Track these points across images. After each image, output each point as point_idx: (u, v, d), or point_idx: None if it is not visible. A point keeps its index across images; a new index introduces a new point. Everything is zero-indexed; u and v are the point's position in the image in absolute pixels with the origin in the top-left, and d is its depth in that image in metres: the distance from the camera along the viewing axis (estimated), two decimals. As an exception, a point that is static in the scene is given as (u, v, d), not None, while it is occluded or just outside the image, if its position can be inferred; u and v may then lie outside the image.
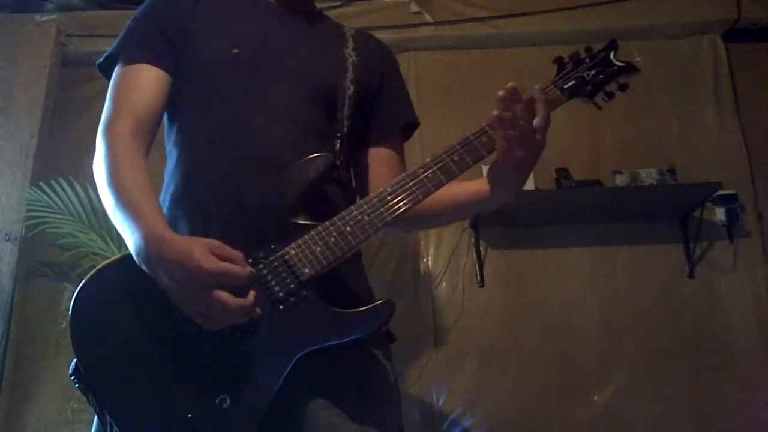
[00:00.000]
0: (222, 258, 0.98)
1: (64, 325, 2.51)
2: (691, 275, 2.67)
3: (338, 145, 1.23)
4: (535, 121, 1.08)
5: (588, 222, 2.74)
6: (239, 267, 0.98)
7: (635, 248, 2.71)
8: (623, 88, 1.17)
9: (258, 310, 1.00)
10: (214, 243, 0.99)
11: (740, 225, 2.70)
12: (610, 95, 1.17)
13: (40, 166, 2.76)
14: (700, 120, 2.86)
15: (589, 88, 1.16)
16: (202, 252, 0.97)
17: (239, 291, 0.98)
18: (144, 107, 1.19)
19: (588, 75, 1.17)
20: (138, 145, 1.16)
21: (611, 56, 1.17)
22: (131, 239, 1.03)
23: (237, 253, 1.00)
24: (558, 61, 1.19)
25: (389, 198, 1.10)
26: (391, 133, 1.36)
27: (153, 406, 1.02)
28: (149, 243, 1.00)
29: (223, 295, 0.96)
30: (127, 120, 1.17)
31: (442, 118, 2.81)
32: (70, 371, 1.04)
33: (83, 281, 1.06)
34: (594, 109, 1.18)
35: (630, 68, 1.17)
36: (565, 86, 1.16)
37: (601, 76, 1.17)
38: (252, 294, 0.99)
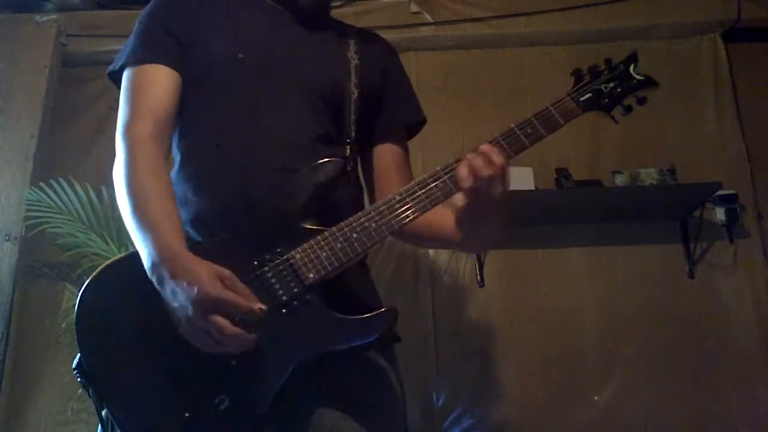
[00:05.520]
0: (228, 287, 0.98)
1: (64, 325, 2.51)
2: (691, 275, 2.67)
3: (349, 150, 1.23)
4: (489, 171, 1.06)
5: (588, 222, 2.74)
6: (242, 299, 0.98)
7: (635, 248, 2.71)
8: (642, 101, 1.17)
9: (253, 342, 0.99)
10: (226, 273, 0.99)
11: (740, 225, 2.69)
12: (628, 109, 1.18)
13: (40, 166, 2.75)
14: (700, 120, 2.86)
15: (607, 101, 1.16)
16: (210, 277, 0.97)
17: (245, 325, 0.98)
18: (161, 108, 1.19)
19: (606, 88, 1.16)
20: (159, 148, 1.16)
21: (631, 69, 1.17)
22: (144, 251, 1.04)
23: (246, 289, 1.00)
24: (576, 73, 1.18)
25: (397, 206, 1.10)
26: (396, 132, 1.37)
27: (152, 403, 1.03)
28: (161, 258, 1.01)
29: (221, 320, 0.96)
30: (147, 122, 1.17)
31: (442, 118, 2.81)
32: (73, 365, 1.05)
33: (90, 278, 1.07)
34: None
35: (650, 82, 1.17)
36: (581, 99, 1.15)
37: (619, 89, 1.16)
38: (254, 335, 0.98)
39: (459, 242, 1.22)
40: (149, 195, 1.09)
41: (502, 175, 1.07)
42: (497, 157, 1.07)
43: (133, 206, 1.08)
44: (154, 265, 1.01)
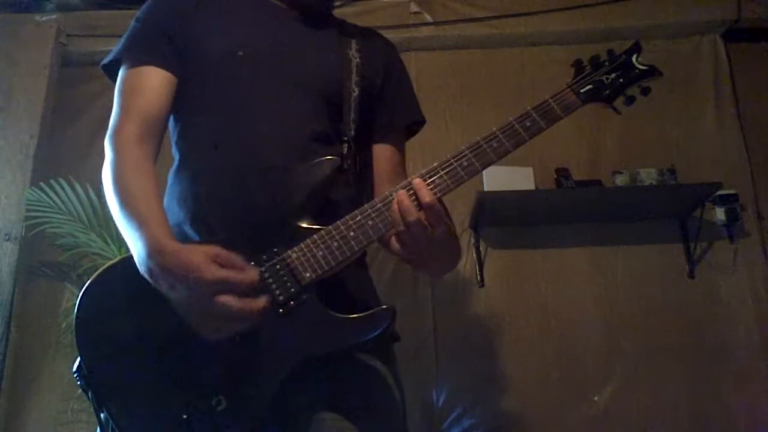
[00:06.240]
0: (223, 265, 0.97)
1: (64, 325, 2.51)
2: (691, 275, 2.67)
3: (346, 148, 1.23)
4: (421, 215, 1.03)
5: (588, 222, 2.74)
6: (240, 273, 0.97)
7: (635, 248, 2.71)
8: (645, 92, 1.15)
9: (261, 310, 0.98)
10: (215, 250, 0.98)
11: (740, 225, 2.69)
12: (631, 99, 1.15)
13: (40, 166, 2.76)
14: (700, 120, 2.86)
15: (608, 92, 1.14)
16: (203, 261, 0.96)
17: (245, 296, 0.97)
18: (151, 111, 1.19)
19: (607, 79, 1.14)
20: (145, 149, 1.16)
21: (634, 59, 1.14)
22: (134, 248, 1.04)
23: (238, 259, 0.99)
24: (576, 64, 1.15)
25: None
26: (396, 132, 1.36)
27: (150, 405, 1.02)
28: (151, 253, 1.00)
29: (226, 299, 0.95)
30: (134, 124, 1.17)
31: (442, 118, 2.81)
32: (73, 369, 1.05)
33: (89, 281, 1.07)
34: (595, 109, 1.17)
35: (653, 72, 1.14)
36: (582, 90, 1.13)
37: (621, 79, 1.14)
38: (262, 298, 0.98)
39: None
40: (136, 194, 1.09)
41: (434, 216, 1.03)
42: (424, 197, 1.03)
43: (121, 205, 1.09)
44: (144, 261, 1.01)
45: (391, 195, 1.07)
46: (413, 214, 1.02)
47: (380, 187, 1.30)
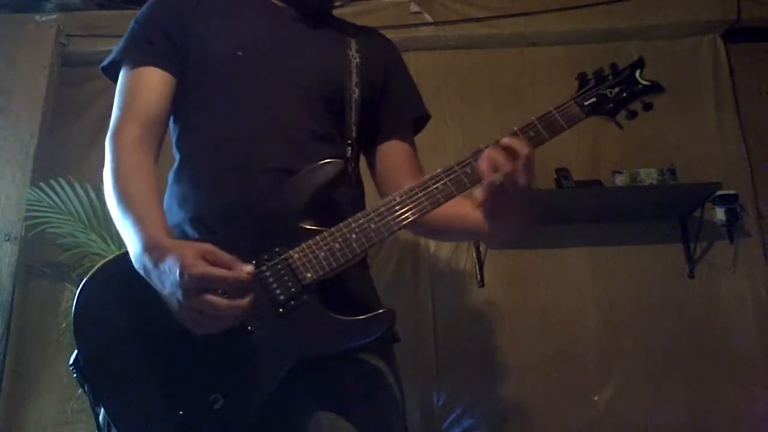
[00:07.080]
0: (214, 263, 0.96)
1: (64, 325, 2.51)
2: (691, 275, 2.67)
3: (349, 151, 1.23)
4: (511, 166, 1.05)
5: (588, 222, 2.74)
6: (228, 271, 0.96)
7: (635, 248, 2.71)
8: (648, 107, 1.16)
9: (248, 309, 0.97)
10: (207, 248, 0.98)
11: (740, 225, 2.69)
12: (633, 114, 1.17)
13: (40, 166, 2.76)
14: (700, 120, 2.86)
15: (611, 105, 1.15)
16: (192, 257, 0.95)
17: (235, 294, 0.96)
18: (151, 111, 1.19)
19: (611, 93, 1.15)
20: (145, 150, 1.17)
21: (637, 74, 1.16)
22: (130, 245, 1.05)
23: (229, 258, 0.98)
24: (581, 77, 1.17)
25: (397, 207, 1.10)
26: (402, 128, 1.37)
27: (146, 401, 1.03)
28: (146, 250, 1.01)
29: (212, 298, 0.94)
30: (135, 125, 1.18)
31: (442, 118, 2.81)
32: (70, 362, 1.05)
33: (87, 277, 1.08)
34: (594, 109, 1.18)
35: (656, 88, 1.16)
36: (586, 103, 1.14)
37: (624, 94, 1.15)
38: (248, 298, 0.97)
39: (483, 235, 1.21)
40: (134, 193, 1.10)
41: (527, 166, 1.05)
42: (522, 149, 1.06)
43: (119, 205, 1.09)
44: (138, 256, 1.02)
45: (393, 199, 1.09)
46: (509, 164, 1.04)
47: (402, 180, 1.26)
